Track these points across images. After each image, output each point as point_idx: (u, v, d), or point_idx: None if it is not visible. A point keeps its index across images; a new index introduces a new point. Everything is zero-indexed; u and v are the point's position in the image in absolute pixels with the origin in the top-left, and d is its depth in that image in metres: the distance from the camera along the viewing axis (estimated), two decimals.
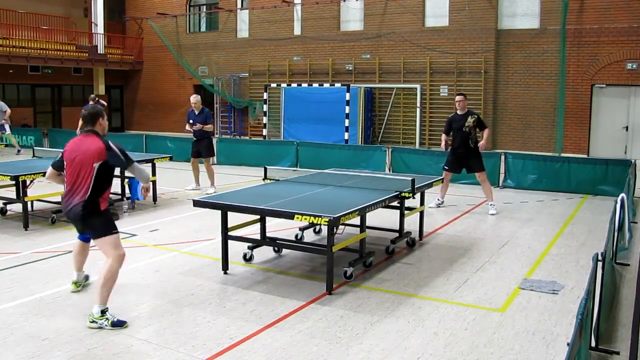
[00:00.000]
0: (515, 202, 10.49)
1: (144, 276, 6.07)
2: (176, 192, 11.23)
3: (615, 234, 5.75)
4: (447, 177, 9.67)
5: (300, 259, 6.72)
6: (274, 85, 21.41)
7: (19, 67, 22.92)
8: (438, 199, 9.88)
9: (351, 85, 19.57)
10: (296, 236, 7.35)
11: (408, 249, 7.20)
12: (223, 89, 23.99)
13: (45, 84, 25.18)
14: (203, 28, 25.79)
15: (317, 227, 7.76)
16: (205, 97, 24.72)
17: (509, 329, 4.74)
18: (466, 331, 4.70)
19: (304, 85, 20.76)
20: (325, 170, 8.59)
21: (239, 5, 23.89)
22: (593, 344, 4.24)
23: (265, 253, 6.80)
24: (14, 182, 8.49)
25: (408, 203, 7.08)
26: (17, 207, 9.12)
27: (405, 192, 6.56)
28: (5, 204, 9.09)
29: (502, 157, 12.30)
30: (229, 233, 6.18)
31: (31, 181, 8.33)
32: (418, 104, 19.47)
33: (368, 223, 6.40)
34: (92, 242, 5.29)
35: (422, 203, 7.64)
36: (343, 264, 5.99)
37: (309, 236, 7.64)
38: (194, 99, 11.19)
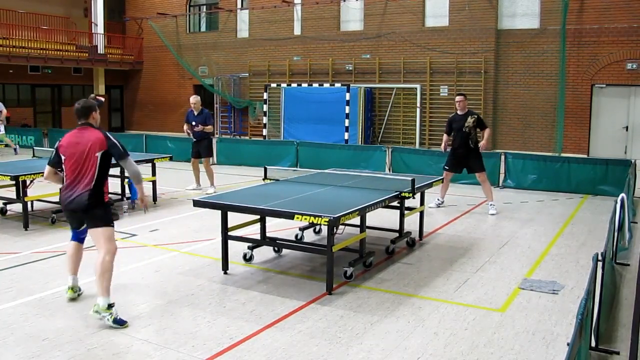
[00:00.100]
0: (515, 202, 10.49)
1: (144, 276, 6.07)
2: (176, 192, 11.23)
3: (615, 234, 5.75)
4: (448, 177, 9.67)
5: (300, 259, 6.72)
6: (274, 85, 21.41)
7: (19, 67, 22.92)
8: (438, 199, 9.88)
9: (351, 85, 19.57)
10: (296, 236, 7.35)
11: (408, 249, 7.20)
12: (223, 89, 23.99)
13: (45, 84, 25.18)
14: (203, 28, 25.79)
15: (317, 227, 7.76)
16: (205, 97, 24.72)
17: (509, 329, 4.74)
18: (466, 331, 4.70)
19: (304, 85, 20.76)
20: (325, 170, 8.59)
21: (239, 5, 23.88)
22: (593, 344, 4.24)
23: (265, 253, 6.80)
24: (14, 182, 8.49)
25: (408, 203, 7.08)
26: (17, 207, 9.12)
27: (405, 192, 6.56)
28: (5, 204, 9.09)
29: (502, 157, 12.30)
30: (229, 233, 6.18)
31: (31, 181, 8.33)
32: (418, 104, 19.47)
33: (368, 223, 6.40)
34: (85, 242, 5.32)
35: (422, 203, 7.64)
36: (343, 264, 5.99)
37: (309, 236, 7.64)
38: (194, 99, 11.19)
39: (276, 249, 6.91)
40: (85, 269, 5.66)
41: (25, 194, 8.21)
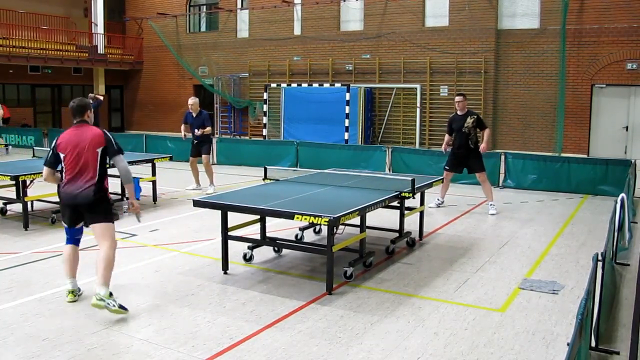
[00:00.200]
0: (515, 202, 10.49)
1: (144, 276, 6.07)
2: (176, 192, 11.23)
3: (615, 234, 5.74)
4: (448, 177, 9.67)
5: (300, 259, 6.72)
6: (274, 85, 21.41)
7: (19, 67, 22.93)
8: (438, 199, 9.88)
9: (351, 85, 19.57)
10: (296, 236, 7.35)
11: (408, 249, 7.20)
12: (223, 89, 23.99)
13: (45, 84, 25.19)
14: (203, 28, 25.79)
15: (317, 227, 7.76)
16: (205, 97, 24.78)
17: (509, 329, 4.74)
18: (466, 331, 4.70)
19: (304, 85, 20.76)
20: (325, 170, 8.59)
21: (239, 5, 23.89)
22: (593, 344, 4.24)
23: (265, 253, 6.80)
24: (14, 182, 8.49)
25: (408, 203, 7.08)
26: (17, 207, 9.12)
27: (405, 192, 6.56)
28: (5, 204, 9.09)
29: (502, 157, 12.30)
30: (229, 233, 6.18)
31: (31, 181, 8.33)
32: (418, 104, 19.47)
33: (368, 223, 6.40)
34: (80, 244, 5.35)
35: (422, 203, 7.64)
36: (343, 264, 5.99)
37: (309, 236, 7.64)
38: (191, 101, 11.18)
39: (276, 249, 6.91)
40: (85, 269, 5.67)
41: (25, 194, 8.21)
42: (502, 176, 12.19)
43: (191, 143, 11.36)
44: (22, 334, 4.57)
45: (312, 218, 5.31)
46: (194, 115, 11.10)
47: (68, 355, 4.21)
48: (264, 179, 7.47)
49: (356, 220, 6.02)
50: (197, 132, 10.99)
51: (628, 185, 8.88)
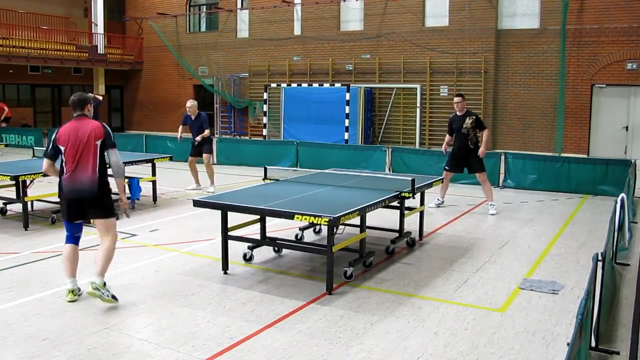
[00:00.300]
0: (515, 202, 10.49)
1: (144, 276, 6.07)
2: (176, 192, 11.23)
3: (615, 234, 5.74)
4: (447, 177, 9.67)
5: (300, 259, 6.72)
6: (274, 85, 21.41)
7: (19, 67, 22.93)
8: (438, 199, 9.88)
9: (351, 85, 19.57)
10: (296, 236, 7.35)
11: (408, 249, 7.20)
12: (223, 89, 23.99)
13: (45, 84, 25.19)
14: (203, 28, 25.79)
15: (317, 227, 7.76)
16: (205, 97, 24.79)
17: (509, 329, 4.74)
18: (466, 331, 4.70)
19: (304, 85, 20.76)
20: (325, 170, 8.59)
21: (239, 5, 23.89)
22: (593, 344, 4.24)
23: (265, 253, 6.80)
24: (14, 182, 8.49)
25: (408, 203, 7.08)
26: (17, 207, 9.12)
27: (405, 192, 6.56)
28: (5, 204, 9.09)
29: (502, 157, 12.30)
30: (229, 233, 6.18)
31: (31, 181, 8.33)
32: (418, 104, 19.47)
33: (368, 223, 6.40)
34: (81, 241, 5.38)
35: (422, 203, 7.64)
36: (343, 264, 5.99)
37: (309, 236, 7.64)
38: (190, 103, 11.17)
39: (276, 249, 6.90)
40: (85, 269, 5.67)
41: (25, 194, 8.21)
42: (502, 176, 12.19)
43: (191, 143, 11.36)
44: (22, 334, 4.57)
45: (312, 218, 5.31)
46: (193, 118, 11.10)
47: (68, 355, 4.21)
48: (264, 179, 7.47)
49: (356, 220, 6.02)
50: (197, 138, 11.01)
51: (628, 185, 8.88)
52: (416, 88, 19.56)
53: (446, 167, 9.68)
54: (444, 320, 4.91)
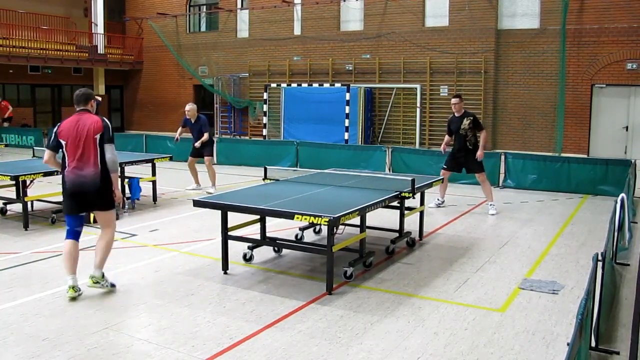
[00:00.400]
0: (515, 202, 10.49)
1: (143, 276, 6.07)
2: (176, 192, 11.23)
3: (615, 234, 5.74)
4: (446, 176, 9.65)
5: (300, 259, 6.72)
6: (274, 85, 21.41)
7: (19, 67, 22.93)
8: (438, 199, 9.88)
9: (351, 85, 19.57)
10: (296, 236, 7.35)
11: (408, 249, 7.20)
12: (223, 89, 23.99)
13: (45, 84, 25.20)
14: (203, 28, 25.79)
15: (317, 227, 7.76)
16: (205, 97, 24.81)
17: (509, 329, 4.74)
18: (466, 331, 4.70)
19: (304, 85, 20.76)
20: (325, 170, 8.59)
21: (239, 5, 23.89)
22: (593, 344, 4.24)
23: (265, 253, 6.80)
24: (14, 182, 8.49)
25: (408, 203, 7.08)
26: (17, 207, 9.12)
27: (405, 192, 6.56)
28: (5, 204, 9.09)
29: (502, 157, 12.30)
30: (229, 233, 6.18)
31: (31, 181, 8.33)
32: (418, 104, 19.47)
33: (368, 223, 6.40)
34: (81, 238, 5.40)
35: (422, 203, 7.64)
36: (343, 264, 5.99)
37: (309, 236, 7.64)
38: (189, 107, 11.15)
39: (276, 249, 6.90)
40: (85, 269, 5.66)
41: (25, 194, 8.21)
42: (502, 176, 12.19)
43: (192, 144, 11.35)
44: (22, 334, 4.57)
45: (312, 218, 5.31)
46: (192, 121, 11.10)
47: (68, 355, 4.21)
48: (264, 179, 7.46)
49: (356, 220, 6.02)
50: (196, 144, 10.99)
51: (628, 185, 8.88)
52: (416, 88, 19.56)
53: (444, 166, 9.69)
54: (444, 320, 4.91)
